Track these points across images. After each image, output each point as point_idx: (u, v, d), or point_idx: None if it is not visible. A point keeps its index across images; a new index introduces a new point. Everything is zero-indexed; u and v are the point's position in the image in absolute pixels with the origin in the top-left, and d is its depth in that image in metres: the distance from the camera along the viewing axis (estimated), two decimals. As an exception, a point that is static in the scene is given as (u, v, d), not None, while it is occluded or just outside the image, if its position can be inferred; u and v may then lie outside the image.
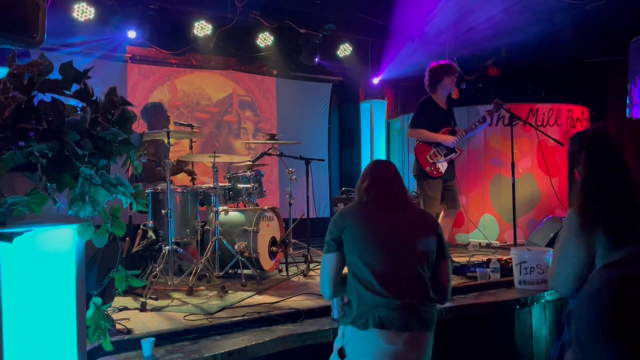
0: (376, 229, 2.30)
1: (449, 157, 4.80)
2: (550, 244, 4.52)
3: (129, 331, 2.91)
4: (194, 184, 5.24)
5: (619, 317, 0.79)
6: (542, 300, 3.88)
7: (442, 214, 4.97)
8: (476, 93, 5.10)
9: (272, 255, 4.72)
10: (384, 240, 2.27)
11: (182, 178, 5.63)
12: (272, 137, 5.18)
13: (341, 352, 2.24)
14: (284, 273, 4.67)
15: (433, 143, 4.81)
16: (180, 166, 5.19)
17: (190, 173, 5.25)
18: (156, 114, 5.09)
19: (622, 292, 0.81)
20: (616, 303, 0.80)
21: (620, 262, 0.91)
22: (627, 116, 4.39)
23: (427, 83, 4.88)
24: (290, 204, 5.06)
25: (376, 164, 2.58)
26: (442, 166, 4.79)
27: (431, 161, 4.78)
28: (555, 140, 5.16)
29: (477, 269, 4.27)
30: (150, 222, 4.29)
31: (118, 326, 2.93)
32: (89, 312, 1.76)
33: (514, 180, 4.97)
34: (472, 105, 6.34)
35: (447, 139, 4.77)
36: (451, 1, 6.53)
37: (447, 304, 3.60)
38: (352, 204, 2.48)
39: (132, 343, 2.73)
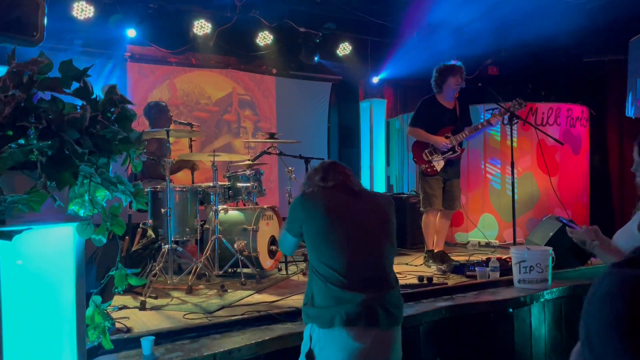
0: (337, 219, 2.21)
1: (446, 155, 4.80)
2: (550, 242, 4.51)
3: (128, 330, 2.91)
4: (193, 174, 5.23)
5: (635, 322, 0.78)
6: (542, 299, 3.89)
7: (438, 215, 4.97)
8: (477, 93, 5.10)
9: (271, 254, 4.72)
10: (346, 231, 2.18)
11: (181, 177, 5.63)
12: (272, 136, 5.18)
13: (310, 355, 2.12)
14: (284, 272, 4.67)
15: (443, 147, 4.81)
16: (180, 164, 5.19)
17: (191, 165, 5.24)
18: (159, 113, 5.10)
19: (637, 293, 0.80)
20: (632, 306, 0.79)
21: (634, 260, 0.90)
22: (627, 115, 4.39)
23: (433, 84, 4.93)
24: (289, 203, 5.05)
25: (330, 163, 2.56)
26: (438, 164, 4.80)
27: (427, 159, 4.81)
28: (555, 139, 5.16)
29: (476, 268, 4.27)
30: (150, 220, 4.29)
31: (118, 325, 2.93)
32: (89, 311, 1.76)
33: (513, 179, 4.98)
34: (472, 104, 6.33)
35: (438, 141, 4.77)
36: (451, 1, 6.52)
37: (446, 303, 3.61)
38: (309, 190, 2.38)
39: (131, 342, 2.73)
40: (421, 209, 4.95)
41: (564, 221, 2.54)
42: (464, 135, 4.83)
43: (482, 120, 4.96)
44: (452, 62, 4.96)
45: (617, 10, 6.28)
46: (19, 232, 1.47)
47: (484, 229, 6.35)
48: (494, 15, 6.61)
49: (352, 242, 2.16)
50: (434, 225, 4.86)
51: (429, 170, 4.79)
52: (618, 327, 0.77)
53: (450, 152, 4.81)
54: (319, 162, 2.61)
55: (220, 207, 4.48)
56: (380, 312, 2.05)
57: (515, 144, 5.21)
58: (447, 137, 4.81)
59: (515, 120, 4.97)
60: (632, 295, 0.79)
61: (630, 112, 4.53)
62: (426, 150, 4.81)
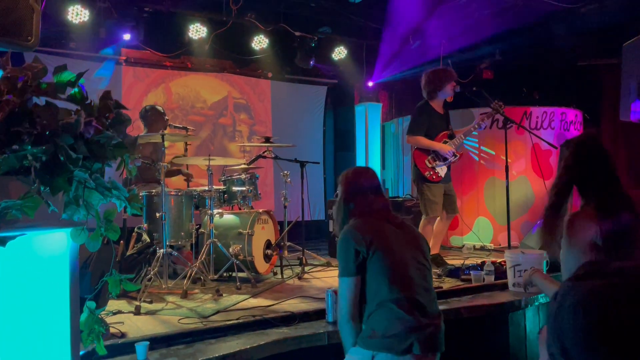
0: (394, 246, 2.18)
1: (448, 161, 4.80)
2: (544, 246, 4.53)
3: (123, 335, 2.90)
4: (189, 185, 5.23)
5: (607, 327, 0.80)
6: (536, 303, 3.90)
7: (438, 219, 4.97)
8: (471, 97, 5.12)
9: (267, 258, 4.71)
10: (404, 258, 2.17)
11: (177, 181, 5.62)
12: (267, 139, 5.18)
13: None
14: (279, 276, 4.67)
15: (428, 151, 4.80)
16: (176, 172, 5.17)
17: (188, 175, 5.23)
18: (156, 117, 5.09)
19: (610, 302, 0.82)
20: (603, 313, 0.81)
21: (588, 273, 0.92)
22: (621, 119, 4.41)
23: (428, 90, 4.84)
24: (285, 207, 5.06)
25: (360, 173, 2.48)
26: (442, 170, 4.78)
27: (430, 165, 4.76)
28: (549, 143, 5.18)
29: (471, 272, 4.28)
30: (145, 225, 4.28)
31: (112, 330, 2.92)
32: (83, 316, 1.75)
33: (508, 182, 4.99)
34: (466, 108, 6.36)
35: (443, 148, 4.75)
36: (446, 5, 6.55)
37: (441, 307, 3.61)
38: (357, 220, 2.29)
39: (126, 347, 2.72)
40: (424, 216, 4.89)
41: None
42: (461, 139, 4.84)
43: (473, 123, 4.96)
44: (444, 67, 4.96)
45: (611, 15, 6.32)
46: (13, 237, 1.46)
47: (478, 233, 6.36)
48: (489, 19, 6.64)
49: (413, 270, 2.20)
50: (430, 232, 4.85)
51: (434, 177, 4.75)
52: (594, 334, 0.79)
53: (453, 157, 4.81)
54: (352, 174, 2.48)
55: (215, 211, 4.47)
56: (439, 338, 2.18)
57: (509, 148, 5.23)
58: (445, 143, 4.81)
59: (510, 124, 4.99)
60: (601, 304, 0.81)
61: (624, 115, 4.56)
62: (429, 157, 4.78)
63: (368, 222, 2.25)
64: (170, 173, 5.18)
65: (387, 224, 2.26)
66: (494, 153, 6.42)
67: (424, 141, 4.79)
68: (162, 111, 5.23)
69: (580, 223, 2.02)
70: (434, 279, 4.35)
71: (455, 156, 4.81)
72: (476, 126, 4.84)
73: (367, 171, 2.51)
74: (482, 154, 6.50)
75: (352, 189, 2.40)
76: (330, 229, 5.90)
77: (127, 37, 6.16)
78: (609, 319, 0.80)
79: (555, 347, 0.87)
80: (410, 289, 2.10)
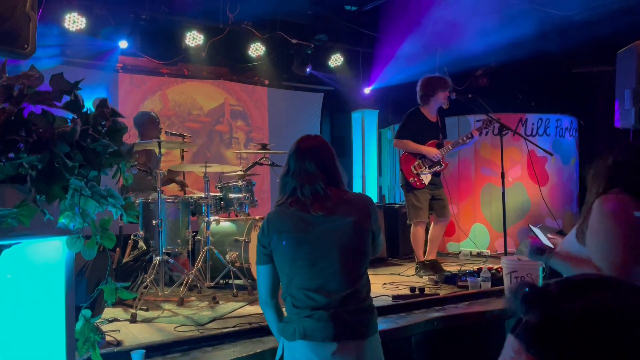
0: (303, 238, 2.06)
1: (433, 169, 4.84)
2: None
3: (118, 343, 2.89)
4: (185, 193, 5.22)
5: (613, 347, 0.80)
6: (533, 309, 3.89)
7: (432, 224, 4.99)
8: (466, 104, 5.14)
9: (263, 265, 4.70)
10: (311, 245, 2.05)
11: (172, 188, 5.61)
12: (264, 146, 5.19)
13: None
14: (276, 283, 4.66)
15: (418, 154, 4.85)
16: (171, 176, 5.18)
17: (182, 184, 5.22)
18: (148, 124, 5.09)
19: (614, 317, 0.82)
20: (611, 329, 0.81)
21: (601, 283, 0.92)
22: (615, 126, 4.43)
23: (420, 95, 4.92)
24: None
25: (300, 140, 2.25)
26: (426, 178, 4.83)
27: (415, 172, 4.83)
28: (544, 150, 5.20)
29: (468, 278, 4.28)
30: (141, 232, 4.28)
31: (108, 338, 2.91)
32: (78, 325, 1.75)
33: (504, 189, 5.01)
34: (463, 115, 6.39)
35: (430, 151, 4.81)
36: (442, 12, 6.59)
37: (438, 314, 3.61)
38: (277, 207, 2.18)
39: (122, 355, 2.70)
40: (408, 221, 4.97)
41: (533, 230, 2.43)
42: (448, 149, 4.88)
43: (464, 135, 4.99)
44: (439, 74, 4.99)
45: (606, 22, 6.37)
46: (8, 246, 1.46)
47: (475, 239, 6.37)
48: (484, 26, 6.68)
49: (320, 258, 2.08)
50: (422, 237, 4.87)
51: (417, 183, 4.82)
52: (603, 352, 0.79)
53: (438, 166, 4.85)
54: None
55: (212, 218, 4.47)
56: (342, 327, 1.99)
57: (505, 155, 5.24)
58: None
59: (506, 131, 5.01)
60: (604, 319, 0.81)
61: (618, 122, 4.57)
62: (414, 164, 4.84)
63: (281, 211, 2.13)
64: (166, 182, 5.17)
65: (303, 211, 2.08)
66: (490, 160, 6.44)
67: (411, 145, 4.85)
68: (156, 117, 5.22)
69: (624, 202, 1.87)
70: (430, 285, 4.38)
71: (441, 165, 4.85)
72: (465, 139, 4.88)
73: (316, 139, 2.27)
74: (478, 161, 6.52)
75: (293, 159, 2.19)
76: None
77: (123, 44, 6.17)
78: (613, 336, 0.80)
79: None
80: (308, 282, 2.03)
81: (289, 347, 2.04)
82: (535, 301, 0.89)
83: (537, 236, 2.42)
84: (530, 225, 2.68)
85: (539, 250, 2.15)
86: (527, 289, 0.91)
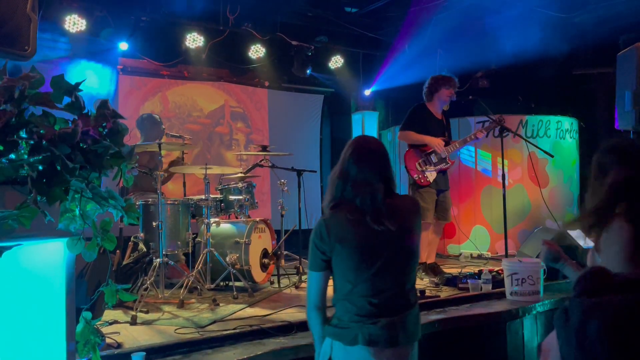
0: (366, 247, 2.06)
1: (439, 167, 4.82)
2: (541, 254, 4.53)
3: (119, 345, 2.88)
4: (185, 193, 5.21)
5: (617, 342, 0.80)
6: (534, 312, 3.89)
7: (430, 227, 4.97)
8: (467, 105, 5.14)
9: (263, 267, 4.70)
10: (372, 255, 2.07)
11: (173, 189, 5.61)
12: (264, 148, 5.19)
13: None
14: (276, 285, 4.65)
15: (422, 152, 4.83)
16: (170, 172, 5.14)
17: (177, 161, 5.20)
18: (152, 126, 5.09)
19: (617, 321, 0.82)
20: (610, 330, 0.81)
21: (603, 286, 0.92)
22: (616, 128, 4.43)
23: (425, 91, 4.94)
24: (282, 216, 5.05)
25: (359, 142, 2.21)
26: (431, 175, 4.80)
27: (420, 169, 4.80)
28: (544, 151, 5.20)
29: (468, 280, 4.28)
30: (141, 234, 4.27)
31: (108, 340, 2.90)
32: (79, 327, 1.74)
33: (504, 191, 5.00)
34: (463, 117, 6.38)
35: (433, 141, 4.76)
36: (442, 14, 6.59)
37: (439, 316, 3.61)
38: (332, 212, 2.13)
39: (122, 357, 2.70)
40: None
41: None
42: (455, 147, 4.86)
43: (469, 134, 4.99)
44: (448, 74, 5.00)
45: (606, 24, 6.37)
46: (9, 248, 1.46)
47: (475, 241, 6.36)
48: (485, 28, 6.68)
49: (379, 264, 2.10)
50: (426, 238, 4.86)
51: (422, 180, 4.79)
52: (631, 353, 0.78)
53: (443, 164, 4.83)
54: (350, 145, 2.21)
55: (212, 220, 4.46)
56: (401, 333, 2.07)
57: (506, 156, 5.24)
58: (431, 151, 4.83)
59: (506, 133, 5.01)
60: (629, 321, 0.80)
61: (618, 124, 4.58)
62: (420, 161, 4.81)
63: (341, 217, 2.09)
64: (165, 178, 5.16)
65: (362, 221, 2.07)
66: (490, 162, 6.44)
67: (414, 135, 4.82)
68: (159, 120, 5.23)
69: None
70: (431, 288, 4.37)
71: (447, 163, 4.83)
72: (473, 137, 4.87)
73: (376, 143, 2.26)
74: (478, 163, 6.51)
75: (354, 164, 2.14)
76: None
77: (124, 46, 6.17)
78: (613, 337, 0.80)
79: None
80: (370, 289, 2.06)
81: (345, 350, 2.05)
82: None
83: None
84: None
85: (555, 257, 2.27)
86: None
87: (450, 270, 5.03)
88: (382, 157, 2.21)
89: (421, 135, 4.80)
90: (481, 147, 6.45)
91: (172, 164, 5.16)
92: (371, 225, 2.06)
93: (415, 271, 2.22)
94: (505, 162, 5.22)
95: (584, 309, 0.86)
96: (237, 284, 4.28)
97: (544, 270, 4.05)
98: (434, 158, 4.82)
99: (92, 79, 6.04)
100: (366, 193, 2.09)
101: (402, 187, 7.46)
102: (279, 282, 4.67)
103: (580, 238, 3.92)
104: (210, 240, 4.36)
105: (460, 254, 6.31)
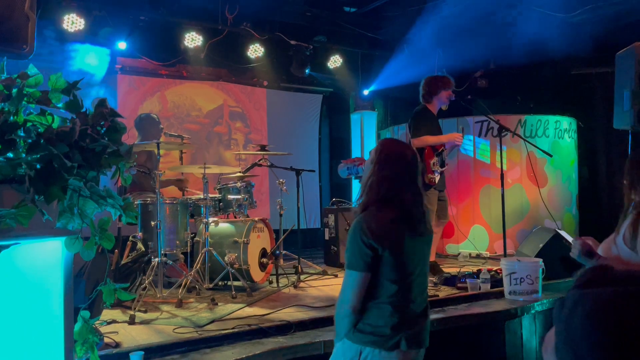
0: (405, 249, 2.08)
1: (444, 168, 4.83)
2: (540, 254, 4.53)
3: (117, 345, 2.88)
4: (184, 194, 5.20)
5: (623, 335, 0.80)
6: (532, 311, 3.89)
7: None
8: (466, 105, 5.14)
9: (262, 266, 4.70)
10: (412, 262, 2.10)
11: (171, 189, 5.60)
12: (263, 148, 5.18)
13: None
14: (275, 285, 4.65)
15: (435, 152, 4.79)
16: (169, 183, 5.12)
17: (180, 185, 5.19)
18: (150, 125, 5.08)
19: (626, 310, 0.82)
20: (618, 321, 0.81)
21: (593, 280, 0.92)
22: (614, 127, 4.43)
23: (424, 93, 4.90)
24: (280, 215, 5.05)
25: (394, 148, 2.21)
26: (438, 176, 4.82)
27: (433, 169, 4.79)
28: (543, 151, 5.20)
29: (467, 280, 4.28)
30: (140, 233, 4.26)
31: (106, 340, 2.90)
32: (77, 326, 1.74)
33: (503, 191, 5.01)
34: (462, 116, 6.38)
35: (451, 137, 4.77)
36: (441, 13, 6.59)
37: (437, 315, 3.61)
38: (374, 214, 2.09)
39: (120, 357, 2.70)
40: None
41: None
42: (448, 150, 4.88)
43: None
44: (443, 74, 4.99)
45: (604, 24, 6.37)
46: (7, 246, 1.46)
47: (474, 241, 6.36)
48: (484, 28, 6.69)
49: (414, 268, 2.16)
50: None
51: (433, 180, 4.77)
52: (610, 343, 0.79)
53: (445, 165, 4.85)
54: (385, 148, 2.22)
55: (210, 219, 4.46)
56: (426, 334, 2.16)
57: (504, 156, 5.25)
58: (443, 150, 4.81)
59: (505, 133, 5.01)
60: (616, 312, 0.81)
61: (617, 123, 4.58)
62: (432, 161, 4.78)
63: (385, 219, 2.08)
64: (164, 183, 5.15)
65: (404, 225, 2.10)
66: (489, 161, 6.44)
67: (431, 138, 4.76)
68: (157, 119, 5.22)
69: None
70: (429, 287, 4.37)
71: (446, 164, 4.85)
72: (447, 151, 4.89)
73: (411, 149, 2.26)
74: (477, 163, 6.52)
75: (394, 165, 2.14)
76: (326, 237, 5.90)
77: (122, 45, 6.16)
78: (625, 328, 0.80)
79: (569, 357, 0.87)
80: (409, 293, 2.10)
81: (380, 356, 2.04)
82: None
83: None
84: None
85: (589, 254, 2.25)
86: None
87: (449, 269, 5.03)
88: (418, 165, 2.23)
89: (437, 137, 4.79)
90: (480, 146, 6.45)
91: (168, 181, 5.12)
92: (414, 232, 2.12)
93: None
94: (504, 161, 5.22)
95: (574, 299, 0.87)
96: (236, 283, 4.28)
97: (543, 269, 4.05)
98: (439, 160, 4.82)
99: (90, 79, 6.04)
100: (412, 202, 2.13)
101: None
102: (277, 281, 4.67)
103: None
104: (209, 239, 4.36)
105: (459, 254, 6.32)
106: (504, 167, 5.14)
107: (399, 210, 2.10)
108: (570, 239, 2.54)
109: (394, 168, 2.14)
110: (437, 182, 4.79)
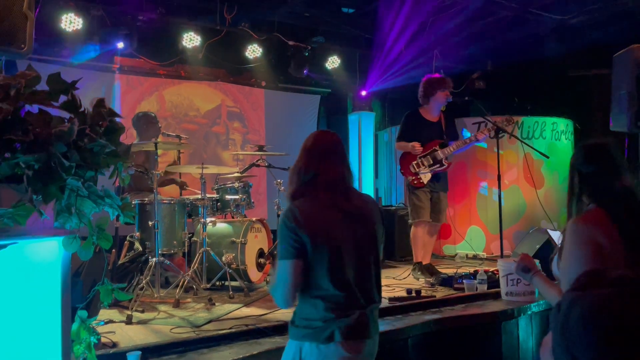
0: (333, 232, 2.03)
1: (432, 168, 4.83)
2: (536, 255, 4.55)
3: (114, 345, 2.87)
4: (181, 194, 5.20)
5: (620, 334, 0.82)
6: (529, 312, 3.90)
7: (426, 228, 4.97)
8: (463, 106, 5.15)
9: (259, 267, 4.70)
10: (344, 245, 2.03)
11: (169, 189, 5.60)
12: (261, 148, 5.18)
13: None
14: (272, 285, 4.65)
15: (418, 155, 4.85)
16: (168, 177, 5.16)
17: (181, 184, 5.20)
18: (148, 124, 5.08)
19: (620, 311, 0.83)
20: (614, 321, 0.82)
21: (589, 283, 0.94)
22: (611, 129, 4.45)
23: (421, 95, 4.95)
24: (278, 215, 5.05)
25: (317, 136, 2.28)
26: (425, 177, 4.83)
27: (414, 171, 4.84)
28: (540, 152, 5.21)
29: (464, 281, 4.29)
30: (137, 233, 4.26)
31: (103, 339, 2.89)
32: (74, 326, 1.74)
33: (500, 192, 5.02)
34: (459, 117, 6.39)
35: (407, 147, 4.85)
36: (439, 15, 6.60)
37: (434, 316, 3.62)
38: (300, 202, 2.07)
39: (117, 357, 2.69)
40: (409, 221, 4.97)
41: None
42: (452, 149, 4.87)
43: (469, 135, 5.01)
44: (440, 75, 5.01)
45: (601, 26, 6.40)
46: (5, 246, 1.46)
47: (471, 242, 6.38)
48: (481, 30, 6.70)
49: (351, 256, 2.06)
50: (422, 237, 4.87)
51: (415, 182, 4.83)
52: (606, 344, 0.80)
53: (438, 165, 4.84)
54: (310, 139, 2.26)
55: (208, 219, 4.46)
56: (372, 324, 2.06)
57: (501, 157, 5.26)
58: (434, 150, 4.84)
59: (502, 134, 5.02)
60: (611, 314, 0.82)
61: (614, 125, 4.60)
62: (413, 163, 4.84)
63: (315, 207, 2.05)
64: (164, 182, 5.16)
65: (336, 210, 2.06)
66: (486, 162, 6.45)
67: (401, 144, 4.94)
68: (155, 118, 5.21)
69: (587, 228, 1.84)
70: (426, 288, 4.38)
71: (442, 165, 4.85)
72: (473, 139, 4.89)
73: (329, 134, 2.32)
74: (474, 164, 6.53)
75: (312, 153, 2.19)
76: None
77: (120, 45, 6.15)
78: (621, 328, 0.82)
79: (565, 357, 0.88)
80: (344, 283, 2.01)
81: (319, 350, 1.97)
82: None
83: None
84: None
85: (525, 268, 2.32)
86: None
87: (446, 270, 5.04)
88: (336, 147, 2.26)
89: (404, 143, 4.90)
90: (476, 147, 6.46)
91: (169, 173, 5.13)
92: (347, 214, 2.06)
93: (380, 268, 2.15)
94: (501, 163, 5.23)
95: (570, 300, 0.88)
96: (233, 283, 4.28)
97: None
98: (428, 160, 4.84)
99: (88, 78, 6.02)
100: (336, 181, 2.12)
101: (399, 189, 7.49)
102: (275, 282, 4.67)
103: (557, 237, 3.95)
104: (207, 239, 4.36)
105: (456, 255, 6.33)
106: (501, 168, 5.15)
107: (325, 197, 2.07)
108: (558, 241, 2.52)
109: (315, 156, 2.16)
110: (425, 182, 4.82)
